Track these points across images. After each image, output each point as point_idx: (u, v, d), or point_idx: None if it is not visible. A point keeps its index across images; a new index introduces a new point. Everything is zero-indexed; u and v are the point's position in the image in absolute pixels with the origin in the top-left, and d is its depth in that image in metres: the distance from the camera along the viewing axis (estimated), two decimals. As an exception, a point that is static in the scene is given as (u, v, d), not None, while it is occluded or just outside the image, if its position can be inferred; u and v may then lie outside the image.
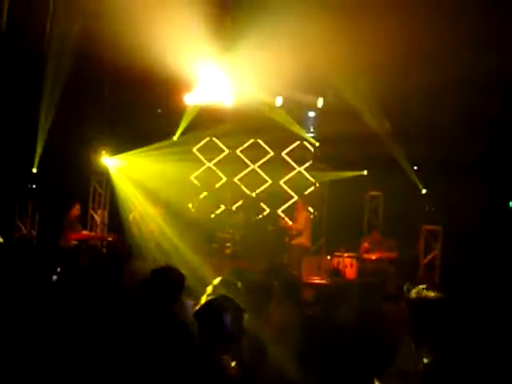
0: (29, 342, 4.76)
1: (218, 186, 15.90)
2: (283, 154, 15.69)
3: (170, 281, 5.05)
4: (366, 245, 12.64)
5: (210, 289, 5.48)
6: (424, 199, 13.74)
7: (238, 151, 15.95)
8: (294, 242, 13.07)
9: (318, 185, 15.26)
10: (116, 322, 4.87)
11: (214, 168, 16.10)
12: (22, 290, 5.66)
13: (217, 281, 5.55)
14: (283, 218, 13.58)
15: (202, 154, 16.15)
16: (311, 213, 14.17)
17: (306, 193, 15.12)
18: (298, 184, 15.36)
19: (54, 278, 6.54)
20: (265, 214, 14.92)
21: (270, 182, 15.61)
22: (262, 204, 15.39)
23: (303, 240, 13.05)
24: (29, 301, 5.43)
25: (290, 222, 13.75)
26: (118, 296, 5.87)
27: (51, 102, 13.63)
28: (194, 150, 16.05)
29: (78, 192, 14.54)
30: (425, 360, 3.72)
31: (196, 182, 16.04)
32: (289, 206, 15.00)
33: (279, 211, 15.23)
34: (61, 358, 4.54)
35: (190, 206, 14.70)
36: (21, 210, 14.68)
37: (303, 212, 13.26)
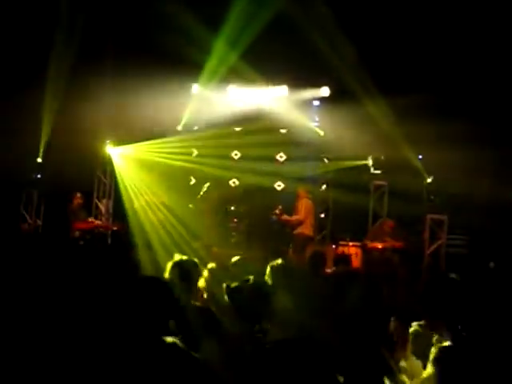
0: (36, 328, 4.77)
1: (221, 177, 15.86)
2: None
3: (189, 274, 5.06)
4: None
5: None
6: (429, 188, 13.72)
7: (242, 142, 15.90)
8: (296, 231, 13.06)
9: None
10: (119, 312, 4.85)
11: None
12: (33, 281, 5.68)
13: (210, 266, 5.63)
14: (282, 213, 13.49)
15: (207, 145, 16.10)
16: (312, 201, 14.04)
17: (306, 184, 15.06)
18: (302, 174, 15.30)
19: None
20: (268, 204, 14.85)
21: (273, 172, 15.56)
22: (266, 194, 15.35)
23: (304, 229, 13.03)
24: (37, 290, 5.45)
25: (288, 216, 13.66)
26: (122, 286, 5.85)
27: (56, 92, 13.61)
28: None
29: (83, 181, 14.56)
30: (439, 344, 3.75)
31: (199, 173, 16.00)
32: (292, 197, 14.92)
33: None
34: (63, 346, 4.55)
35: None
36: (26, 200, 14.70)
37: (304, 200, 13.21)
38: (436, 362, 3.65)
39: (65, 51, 12.98)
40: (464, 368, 3.56)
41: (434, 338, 3.87)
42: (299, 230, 13.00)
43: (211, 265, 5.77)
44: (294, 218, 13.17)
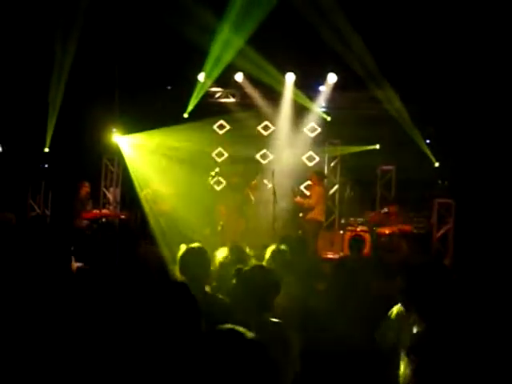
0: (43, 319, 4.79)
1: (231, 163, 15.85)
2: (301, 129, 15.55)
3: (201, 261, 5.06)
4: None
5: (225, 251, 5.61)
6: (437, 172, 13.70)
7: (250, 128, 15.88)
8: (308, 216, 13.05)
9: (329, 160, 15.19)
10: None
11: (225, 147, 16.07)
12: (38, 269, 5.68)
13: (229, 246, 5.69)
14: (296, 195, 13.52)
15: (214, 132, 16.10)
16: (325, 188, 14.01)
17: (311, 165, 15.04)
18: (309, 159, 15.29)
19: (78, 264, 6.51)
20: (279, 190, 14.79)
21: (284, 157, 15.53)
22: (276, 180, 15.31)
23: (316, 215, 13.02)
24: (44, 280, 5.44)
25: (302, 198, 13.68)
26: (131, 274, 5.86)
27: (61, 81, 13.60)
28: (215, 127, 15.98)
29: (90, 170, 14.60)
30: (414, 329, 3.80)
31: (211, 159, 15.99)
32: (304, 182, 14.88)
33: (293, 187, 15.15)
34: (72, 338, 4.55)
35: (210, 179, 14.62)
36: (33, 189, 14.73)
37: (316, 187, 13.21)
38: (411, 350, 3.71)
39: (69, 38, 12.95)
40: (439, 355, 3.59)
41: (412, 319, 3.92)
42: (311, 216, 12.99)
43: (224, 252, 5.79)
44: (306, 201, 13.15)
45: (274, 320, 4.12)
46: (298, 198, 13.34)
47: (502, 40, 11.06)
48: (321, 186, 13.33)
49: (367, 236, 12.73)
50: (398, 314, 4.83)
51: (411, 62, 11.98)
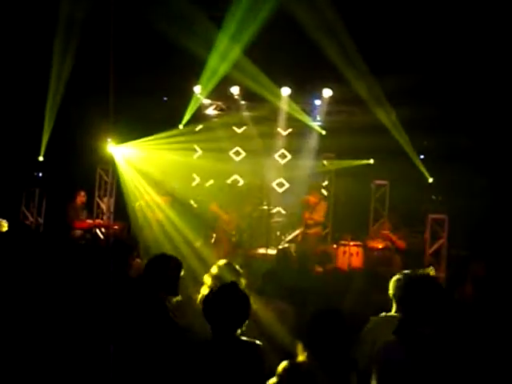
0: (37, 322, 4.79)
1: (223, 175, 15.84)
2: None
3: (167, 269, 5.02)
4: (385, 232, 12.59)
5: (215, 269, 5.62)
6: (431, 188, 13.72)
7: (245, 142, 15.88)
8: (311, 231, 13.07)
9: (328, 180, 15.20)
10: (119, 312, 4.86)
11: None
12: (30, 278, 5.67)
13: (221, 263, 5.70)
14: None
15: (208, 143, 16.08)
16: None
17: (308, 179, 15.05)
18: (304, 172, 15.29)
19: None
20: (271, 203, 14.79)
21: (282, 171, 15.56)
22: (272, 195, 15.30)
23: (319, 230, 13.12)
24: (37, 288, 5.44)
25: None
26: (122, 286, 5.85)
27: (57, 91, 13.60)
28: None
29: (84, 180, 14.57)
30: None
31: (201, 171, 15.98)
32: (300, 197, 14.87)
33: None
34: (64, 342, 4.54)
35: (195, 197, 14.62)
36: (27, 198, 14.70)
37: (322, 203, 13.24)
38: None
39: (66, 47, 12.96)
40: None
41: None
42: (315, 230, 13.05)
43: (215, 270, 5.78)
44: (311, 216, 13.12)
45: (246, 339, 4.12)
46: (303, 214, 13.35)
47: (500, 55, 11.13)
48: (323, 201, 13.39)
49: (359, 250, 12.76)
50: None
51: (407, 77, 12.02)
